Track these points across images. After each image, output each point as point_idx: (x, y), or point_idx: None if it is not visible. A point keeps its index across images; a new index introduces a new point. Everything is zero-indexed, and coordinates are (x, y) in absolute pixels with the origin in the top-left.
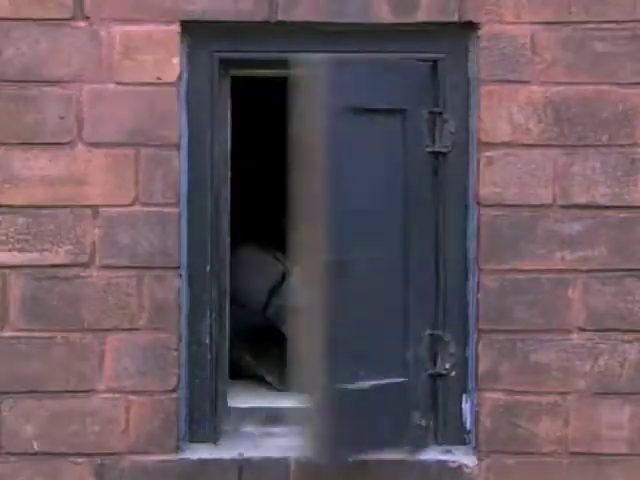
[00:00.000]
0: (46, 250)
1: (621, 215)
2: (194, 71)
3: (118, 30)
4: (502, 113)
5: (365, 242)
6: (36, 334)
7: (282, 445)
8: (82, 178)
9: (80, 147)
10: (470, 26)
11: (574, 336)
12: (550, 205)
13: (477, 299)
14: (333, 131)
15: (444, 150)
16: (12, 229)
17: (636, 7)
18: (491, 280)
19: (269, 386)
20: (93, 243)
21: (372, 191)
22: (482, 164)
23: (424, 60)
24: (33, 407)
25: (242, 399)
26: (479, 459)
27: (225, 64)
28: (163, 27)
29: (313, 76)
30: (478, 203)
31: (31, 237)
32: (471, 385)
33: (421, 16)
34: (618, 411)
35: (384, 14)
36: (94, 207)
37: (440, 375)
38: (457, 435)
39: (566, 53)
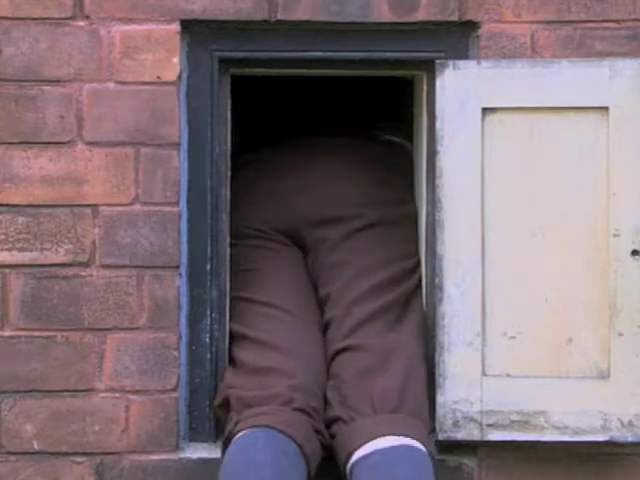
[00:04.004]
0: (46, 249)
1: None
2: (194, 70)
3: (118, 29)
4: None
5: None
6: (36, 333)
7: None
8: (82, 177)
9: (80, 146)
10: (470, 25)
11: None
12: None
13: None
14: None
15: None
16: (12, 228)
17: (636, 6)
18: None
19: None
20: (93, 242)
21: None
22: None
23: (424, 59)
24: (33, 406)
25: None
26: (479, 458)
27: (225, 63)
28: (163, 26)
29: None
30: None
31: (31, 236)
32: None
33: (421, 15)
34: None
35: (384, 13)
36: (94, 206)
37: None
38: None
39: (566, 52)
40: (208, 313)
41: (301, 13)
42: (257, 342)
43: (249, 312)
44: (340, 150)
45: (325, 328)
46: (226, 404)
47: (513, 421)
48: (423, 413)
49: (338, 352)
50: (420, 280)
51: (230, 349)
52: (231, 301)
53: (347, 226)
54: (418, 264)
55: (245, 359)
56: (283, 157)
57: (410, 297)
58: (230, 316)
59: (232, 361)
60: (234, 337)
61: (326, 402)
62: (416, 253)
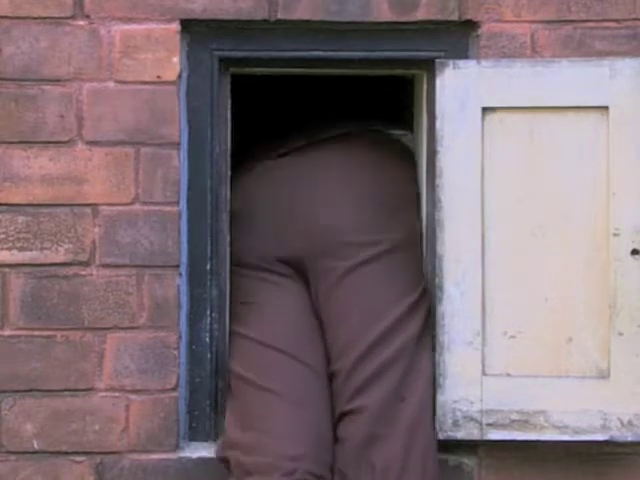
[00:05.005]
0: (46, 249)
1: None
2: (194, 70)
3: (118, 29)
4: None
5: None
6: (36, 333)
7: None
8: (82, 177)
9: (80, 146)
10: (470, 25)
11: None
12: None
13: None
14: None
15: None
16: (12, 228)
17: (636, 6)
18: None
19: None
20: (93, 242)
21: None
22: None
23: (424, 59)
24: (33, 406)
25: None
26: (479, 458)
27: (225, 63)
28: (163, 26)
29: None
30: None
31: (31, 236)
32: None
33: (421, 15)
34: None
35: (384, 13)
36: (94, 206)
37: None
38: None
39: (566, 51)
40: (208, 312)
41: (301, 13)
42: (262, 390)
43: (252, 353)
44: (340, 160)
45: (332, 376)
46: (227, 463)
47: (513, 420)
48: (428, 473)
49: (344, 414)
50: (429, 309)
51: (231, 389)
52: (231, 335)
53: (351, 258)
54: (426, 291)
55: (248, 409)
56: (282, 172)
57: (420, 335)
58: (231, 353)
59: (233, 399)
60: (236, 378)
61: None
62: (422, 277)
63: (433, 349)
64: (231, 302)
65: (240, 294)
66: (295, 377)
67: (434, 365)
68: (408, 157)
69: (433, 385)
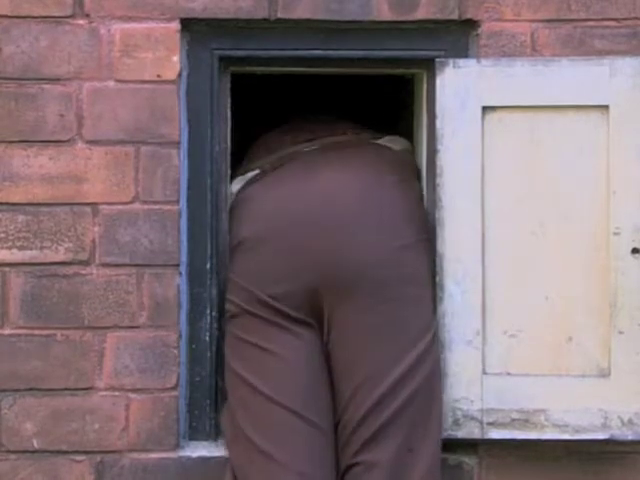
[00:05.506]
0: (46, 248)
1: None
2: (194, 69)
3: (118, 28)
4: None
5: None
6: (36, 332)
7: None
8: (82, 176)
9: (80, 145)
10: (470, 24)
11: None
12: None
13: None
14: None
15: None
16: (12, 227)
17: (636, 5)
18: None
19: None
20: (93, 241)
21: None
22: None
23: (424, 58)
24: (33, 405)
25: None
26: (479, 457)
27: (225, 62)
28: (163, 25)
29: None
30: None
31: (31, 235)
32: None
33: (421, 14)
34: None
35: (384, 12)
36: (94, 205)
37: None
38: None
39: (566, 50)
40: (208, 312)
41: (301, 12)
42: (267, 458)
43: (257, 408)
44: (359, 181)
45: (337, 424)
46: None
47: (513, 419)
48: None
49: (350, 466)
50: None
51: (236, 438)
52: (234, 376)
53: (374, 294)
54: (436, 329)
55: (252, 473)
56: (290, 192)
57: (430, 378)
58: (232, 394)
59: (237, 453)
60: (240, 432)
61: None
62: (434, 313)
63: None
64: (233, 335)
65: (245, 332)
66: (300, 441)
67: None
68: (418, 178)
69: None
